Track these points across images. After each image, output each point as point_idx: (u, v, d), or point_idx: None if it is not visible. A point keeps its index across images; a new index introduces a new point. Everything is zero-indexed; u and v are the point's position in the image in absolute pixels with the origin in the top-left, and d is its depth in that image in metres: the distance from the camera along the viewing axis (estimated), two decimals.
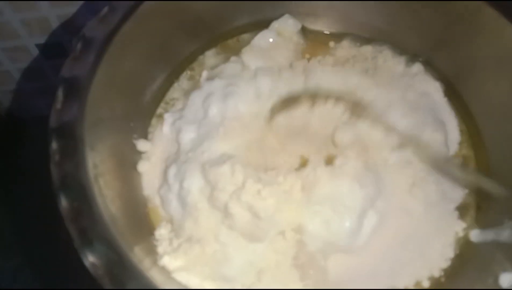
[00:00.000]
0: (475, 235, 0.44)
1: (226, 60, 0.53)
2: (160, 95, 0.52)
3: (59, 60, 0.74)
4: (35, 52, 0.74)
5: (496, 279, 0.36)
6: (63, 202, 0.34)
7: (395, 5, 0.51)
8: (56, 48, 0.69)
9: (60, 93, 0.39)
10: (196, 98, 0.49)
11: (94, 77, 0.41)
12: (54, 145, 0.37)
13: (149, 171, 0.47)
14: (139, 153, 0.47)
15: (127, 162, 0.46)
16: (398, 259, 0.42)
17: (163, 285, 0.34)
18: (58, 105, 0.39)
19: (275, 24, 0.54)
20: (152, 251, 0.41)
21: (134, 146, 0.47)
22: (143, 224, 0.43)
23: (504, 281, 0.35)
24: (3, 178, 0.85)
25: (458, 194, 0.46)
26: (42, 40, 0.72)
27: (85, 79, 0.41)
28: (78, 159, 0.37)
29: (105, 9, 0.45)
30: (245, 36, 0.55)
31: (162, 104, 0.52)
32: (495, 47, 0.45)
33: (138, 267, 0.33)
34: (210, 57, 0.55)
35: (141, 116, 0.49)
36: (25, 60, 0.76)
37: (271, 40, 0.53)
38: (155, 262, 0.39)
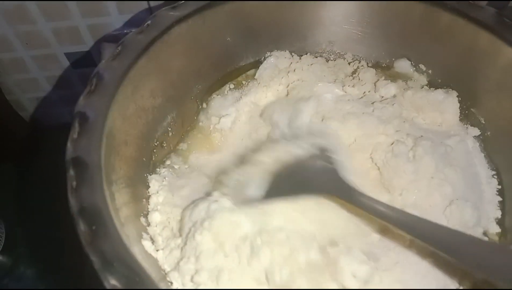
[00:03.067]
0: None
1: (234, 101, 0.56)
2: (171, 133, 0.52)
3: (87, 69, 0.78)
4: (64, 60, 0.76)
5: None
6: (82, 227, 0.34)
7: None
8: (84, 57, 0.70)
9: (76, 124, 0.40)
10: None
11: (109, 112, 0.42)
12: (71, 172, 0.37)
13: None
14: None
15: (141, 196, 0.46)
16: None
17: None
18: (75, 135, 0.39)
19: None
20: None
21: (146, 180, 0.47)
22: None
23: None
24: (24, 186, 0.86)
25: None
26: (71, 49, 0.74)
27: (100, 112, 0.42)
28: (94, 186, 0.36)
29: (119, 47, 0.47)
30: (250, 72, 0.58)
31: (173, 144, 0.53)
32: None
33: (157, 286, 0.32)
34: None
35: (152, 152, 0.50)
36: (53, 68, 0.78)
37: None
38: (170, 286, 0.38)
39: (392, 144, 0.49)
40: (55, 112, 0.89)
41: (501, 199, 0.48)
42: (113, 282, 0.31)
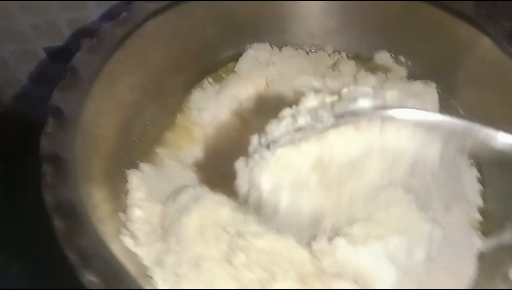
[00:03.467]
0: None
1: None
2: (150, 128, 0.52)
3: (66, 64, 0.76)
4: (43, 55, 0.75)
5: (505, 277, 0.35)
6: (56, 223, 0.33)
7: None
8: (62, 51, 0.68)
9: (51, 119, 0.39)
10: None
11: (84, 108, 0.41)
12: (44, 168, 0.36)
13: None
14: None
15: (119, 190, 0.45)
16: None
17: None
18: (48, 128, 0.38)
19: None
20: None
21: (125, 175, 0.46)
22: None
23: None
24: (17, 183, 0.83)
25: None
26: (50, 43, 0.72)
27: (75, 106, 0.41)
28: (69, 181, 0.36)
29: (94, 40, 0.45)
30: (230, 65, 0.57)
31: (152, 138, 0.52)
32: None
33: (136, 281, 0.31)
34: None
35: (131, 147, 0.49)
36: (31, 64, 0.76)
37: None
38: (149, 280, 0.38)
39: None
40: (38, 109, 0.87)
41: (481, 187, 0.49)
42: (90, 278, 0.30)
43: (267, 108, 0.52)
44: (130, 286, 0.31)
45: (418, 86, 0.54)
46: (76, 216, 0.34)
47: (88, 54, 0.45)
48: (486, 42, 0.48)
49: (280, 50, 0.58)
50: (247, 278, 0.39)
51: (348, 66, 0.57)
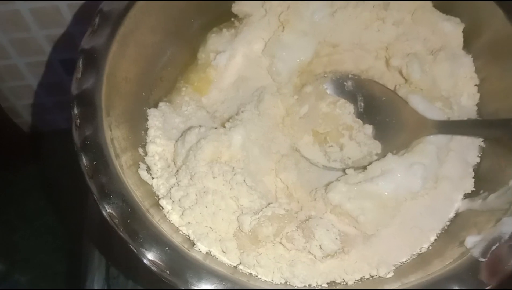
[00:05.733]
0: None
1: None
2: (170, 68, 0.56)
3: None
4: (58, 67, 0.78)
5: (461, 242, 0.40)
6: (84, 161, 0.39)
7: None
8: None
9: (80, 64, 0.44)
10: None
11: (110, 49, 0.46)
12: (75, 111, 0.41)
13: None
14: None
15: (139, 128, 0.50)
16: None
17: (171, 235, 0.39)
18: (78, 74, 0.43)
19: None
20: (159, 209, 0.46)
21: (145, 114, 0.51)
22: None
23: (468, 242, 0.39)
24: (20, 192, 0.89)
25: None
26: (65, 56, 0.76)
27: (102, 50, 0.45)
28: (96, 123, 0.41)
29: None
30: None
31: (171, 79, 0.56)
32: None
33: (149, 219, 0.38)
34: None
35: (152, 87, 0.53)
36: (47, 75, 0.80)
37: None
38: (164, 217, 0.45)
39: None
40: (50, 119, 0.90)
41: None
42: (109, 211, 0.37)
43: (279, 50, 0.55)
44: (144, 222, 0.37)
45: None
46: (100, 155, 0.40)
47: (113, 2, 0.48)
48: None
49: None
50: (247, 209, 0.45)
51: None
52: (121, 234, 0.36)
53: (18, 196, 0.91)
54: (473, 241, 0.39)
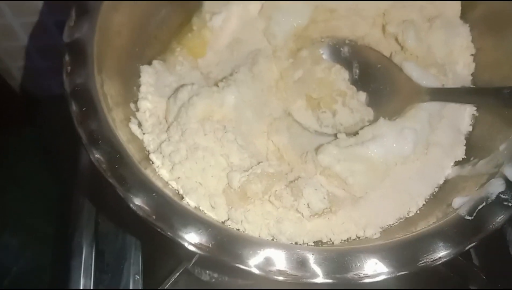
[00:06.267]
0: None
1: None
2: (165, 27, 0.55)
3: None
4: (54, 29, 0.76)
5: (449, 205, 0.41)
6: (74, 107, 0.39)
7: None
8: None
9: (73, 13, 0.43)
10: None
11: (103, 2, 0.45)
12: (66, 57, 0.41)
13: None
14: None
15: (132, 84, 0.50)
16: None
17: (160, 183, 0.39)
18: (71, 23, 0.43)
19: None
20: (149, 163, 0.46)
21: (138, 70, 0.51)
22: None
23: (455, 203, 0.39)
24: (13, 154, 0.88)
25: None
26: (61, 18, 0.73)
27: (94, 4, 0.45)
28: (87, 71, 0.41)
29: None
30: None
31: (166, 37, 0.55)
32: None
33: (137, 165, 0.38)
34: None
35: (146, 44, 0.53)
36: (42, 37, 0.78)
37: None
38: (154, 171, 0.44)
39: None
40: (44, 83, 0.88)
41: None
42: (97, 156, 0.37)
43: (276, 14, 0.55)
44: (131, 167, 0.37)
45: None
46: (90, 103, 0.39)
47: None
48: None
49: None
50: (237, 166, 0.46)
51: None
52: (109, 179, 0.36)
53: (10, 159, 0.90)
54: (461, 202, 0.39)
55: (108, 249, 0.57)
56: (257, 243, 0.36)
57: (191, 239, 0.35)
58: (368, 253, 0.36)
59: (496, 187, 0.38)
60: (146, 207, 0.35)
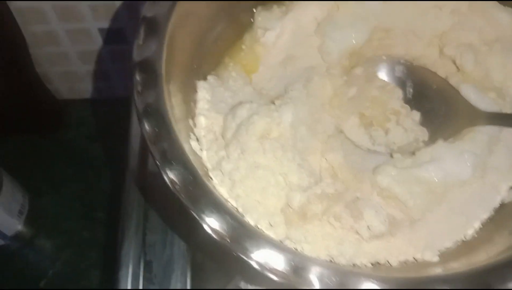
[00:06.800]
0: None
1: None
2: (220, 42, 0.56)
3: (118, 46, 0.78)
4: (97, 36, 0.78)
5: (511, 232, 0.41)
6: (147, 127, 0.40)
7: None
8: (117, 34, 0.73)
9: (141, 31, 0.44)
10: None
11: (170, 18, 0.46)
12: (137, 77, 0.42)
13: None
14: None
15: (190, 100, 0.51)
16: None
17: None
18: (140, 41, 0.44)
19: None
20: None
21: (195, 86, 0.52)
22: None
23: None
24: (48, 158, 0.89)
25: None
26: (106, 25, 0.75)
27: (163, 19, 0.45)
28: (158, 90, 0.42)
29: None
30: None
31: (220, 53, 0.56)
32: None
33: (209, 186, 0.39)
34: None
35: (202, 60, 0.54)
36: (85, 43, 0.79)
37: None
38: (214, 188, 0.45)
39: None
40: (81, 87, 0.90)
41: None
42: (171, 177, 0.38)
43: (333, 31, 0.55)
44: (204, 189, 0.38)
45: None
46: (161, 123, 0.40)
47: None
48: None
49: None
50: (296, 186, 0.46)
51: None
52: (183, 200, 0.37)
53: (47, 162, 0.92)
54: None
55: (156, 260, 0.58)
56: (328, 268, 0.37)
57: (265, 262, 0.35)
58: (435, 282, 0.36)
59: None
60: (221, 230, 0.36)
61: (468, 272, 0.36)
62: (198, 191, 0.38)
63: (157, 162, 0.38)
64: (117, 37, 0.79)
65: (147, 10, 0.45)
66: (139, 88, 0.41)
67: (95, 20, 0.75)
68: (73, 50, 0.82)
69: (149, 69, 0.42)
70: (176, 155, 0.39)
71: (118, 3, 0.72)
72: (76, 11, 0.74)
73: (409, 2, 0.52)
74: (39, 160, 0.90)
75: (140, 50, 0.43)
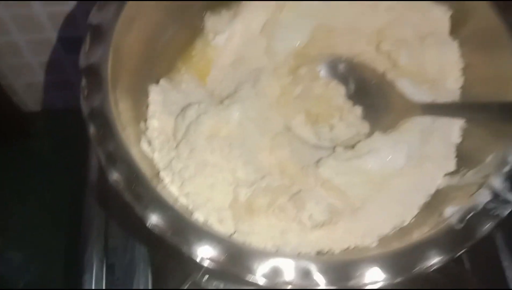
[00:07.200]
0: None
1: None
2: (171, 46, 0.58)
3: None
4: (58, 45, 0.79)
5: (441, 214, 0.44)
6: (92, 130, 0.42)
7: None
8: (78, 42, 0.74)
9: (87, 38, 0.46)
10: None
11: (116, 24, 0.48)
12: (83, 82, 0.44)
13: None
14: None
15: (141, 103, 0.53)
16: None
17: (171, 199, 0.41)
18: (86, 48, 0.46)
19: None
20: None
21: (147, 89, 0.54)
22: None
23: (446, 212, 0.43)
24: (13, 168, 0.90)
25: None
26: (66, 34, 0.77)
27: (108, 26, 0.47)
28: (103, 94, 0.44)
29: None
30: None
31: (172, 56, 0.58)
32: None
33: (152, 185, 0.41)
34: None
35: (153, 64, 0.56)
36: (46, 53, 0.81)
37: None
38: (164, 187, 0.47)
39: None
40: (46, 98, 0.91)
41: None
42: (115, 177, 0.40)
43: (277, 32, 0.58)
44: (145, 185, 0.40)
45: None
46: (106, 125, 0.42)
47: None
48: None
49: None
50: (243, 181, 0.49)
51: None
52: (126, 199, 0.39)
53: (14, 173, 0.92)
54: (451, 211, 0.42)
55: (118, 263, 0.59)
56: (264, 255, 0.39)
57: (204, 253, 0.38)
58: (367, 262, 0.39)
59: (484, 197, 0.41)
60: (162, 224, 0.38)
61: (393, 252, 0.39)
62: (141, 190, 0.40)
63: (102, 163, 0.40)
64: (78, 46, 0.80)
65: (93, 17, 0.47)
66: (86, 92, 0.43)
67: (54, 30, 0.77)
68: (36, 60, 0.83)
69: (95, 74, 0.44)
70: (120, 156, 0.41)
71: (76, 12, 0.74)
72: (36, 21, 0.75)
73: (349, 2, 0.55)
74: (5, 171, 0.90)
75: (86, 56, 0.45)
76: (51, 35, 0.78)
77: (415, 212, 0.50)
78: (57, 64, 0.85)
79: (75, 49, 0.81)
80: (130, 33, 0.50)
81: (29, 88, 0.90)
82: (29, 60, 0.83)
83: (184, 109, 0.52)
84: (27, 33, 0.77)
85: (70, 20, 0.75)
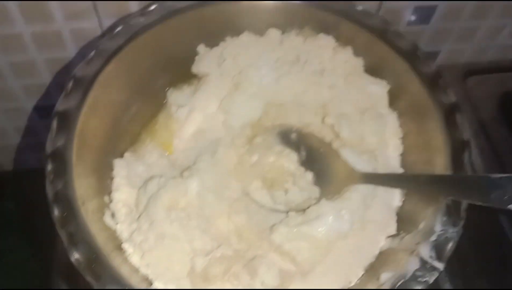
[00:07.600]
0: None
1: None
2: (135, 122, 0.63)
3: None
4: (33, 113, 0.85)
5: (378, 278, 0.48)
6: (56, 213, 0.45)
7: None
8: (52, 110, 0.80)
9: (54, 125, 0.50)
10: None
11: (81, 110, 0.53)
12: (48, 167, 0.48)
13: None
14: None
15: (106, 177, 0.57)
16: None
17: (130, 278, 0.45)
18: (52, 135, 0.50)
19: None
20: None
21: (112, 164, 0.58)
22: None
23: (382, 278, 0.47)
24: None
25: None
26: (39, 102, 0.83)
27: (74, 112, 0.52)
28: (66, 178, 0.48)
29: (92, 53, 0.56)
30: None
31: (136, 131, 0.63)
32: None
33: (110, 263, 0.44)
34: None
35: (118, 139, 0.60)
36: (21, 119, 0.87)
37: None
38: (125, 260, 0.51)
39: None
40: (20, 158, 0.96)
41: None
42: (76, 257, 0.43)
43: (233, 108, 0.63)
44: (104, 264, 0.44)
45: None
46: (69, 208, 0.46)
47: (87, 65, 0.55)
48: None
49: None
50: (199, 251, 0.52)
51: None
52: (86, 277, 0.43)
53: None
54: (386, 277, 0.47)
55: None
56: None
57: None
58: None
59: (413, 264, 0.46)
60: None
61: None
62: (100, 268, 0.43)
63: (65, 244, 0.44)
64: (51, 112, 0.84)
65: (60, 105, 0.52)
66: (51, 177, 0.47)
67: (28, 100, 0.81)
68: (10, 126, 0.87)
69: (59, 158, 0.49)
70: (81, 237, 0.45)
71: (48, 82, 0.79)
72: (10, 93, 0.79)
73: (294, 80, 0.61)
74: None
75: (51, 142, 0.49)
76: (25, 104, 0.83)
77: (361, 273, 0.54)
78: (32, 129, 0.89)
79: (48, 115, 0.86)
80: (95, 115, 0.55)
81: (4, 150, 0.94)
82: (4, 125, 0.88)
83: (146, 182, 0.56)
84: (2, 102, 0.82)
85: (42, 90, 0.80)
